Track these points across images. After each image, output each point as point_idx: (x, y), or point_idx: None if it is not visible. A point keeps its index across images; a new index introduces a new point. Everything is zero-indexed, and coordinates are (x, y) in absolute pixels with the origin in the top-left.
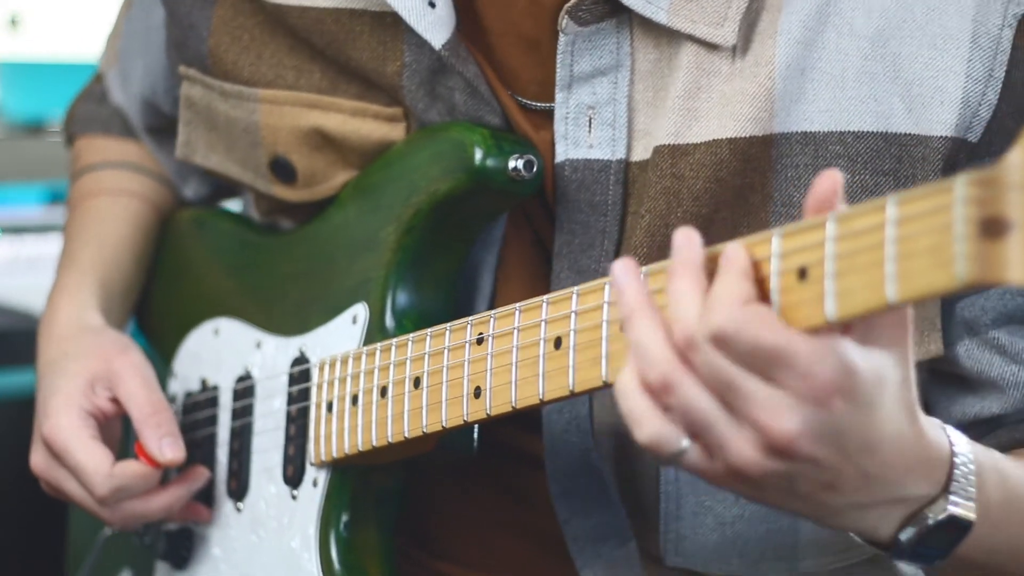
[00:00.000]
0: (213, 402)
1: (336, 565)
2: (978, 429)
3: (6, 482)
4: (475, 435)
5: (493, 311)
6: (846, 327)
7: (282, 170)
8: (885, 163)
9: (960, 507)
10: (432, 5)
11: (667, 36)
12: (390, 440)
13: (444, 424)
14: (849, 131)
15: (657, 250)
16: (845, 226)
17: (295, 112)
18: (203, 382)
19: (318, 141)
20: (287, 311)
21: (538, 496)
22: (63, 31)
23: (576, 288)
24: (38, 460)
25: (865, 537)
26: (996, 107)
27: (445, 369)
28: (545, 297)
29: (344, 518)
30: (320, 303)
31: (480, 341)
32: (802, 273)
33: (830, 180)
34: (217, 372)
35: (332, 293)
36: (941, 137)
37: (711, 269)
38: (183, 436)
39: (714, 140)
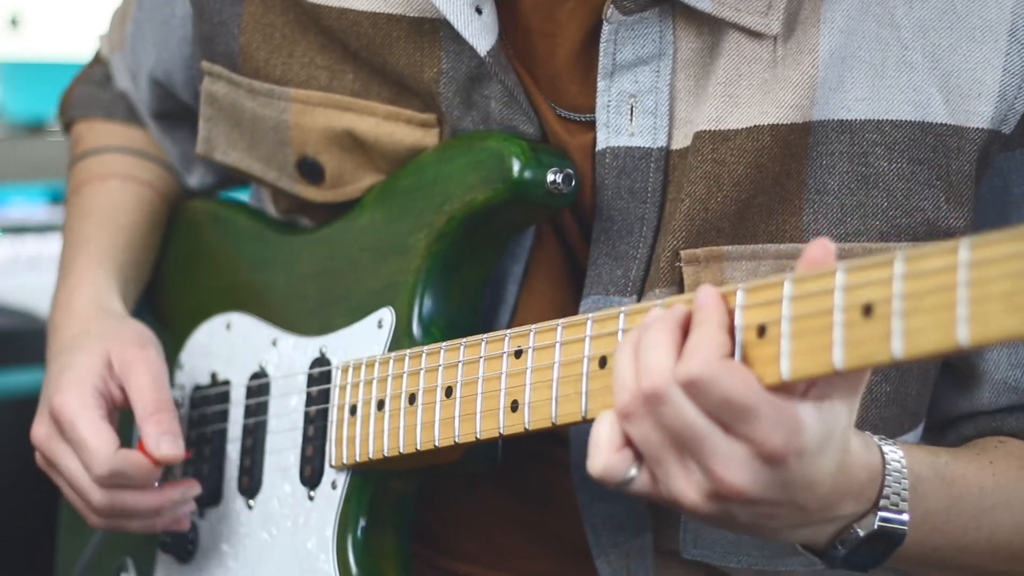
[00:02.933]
0: (224, 397)
1: (353, 568)
2: (963, 421)
3: (6, 482)
4: (499, 444)
5: (533, 325)
6: (811, 382)
7: (309, 170)
8: (922, 152)
9: (889, 522)
10: (479, 11)
11: (709, 24)
12: (419, 448)
13: (478, 436)
14: (887, 120)
15: (695, 234)
16: (914, 265)
17: (328, 114)
18: (213, 376)
19: (349, 143)
20: (306, 310)
21: (547, 496)
22: (63, 31)
23: (624, 308)
24: (39, 431)
25: (801, 546)
26: None
27: (480, 380)
28: (590, 315)
29: (362, 522)
30: (342, 304)
31: (518, 354)
32: (867, 310)
33: (822, 248)
34: (228, 367)
35: (356, 295)
36: (977, 129)
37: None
38: (191, 429)
39: (755, 126)
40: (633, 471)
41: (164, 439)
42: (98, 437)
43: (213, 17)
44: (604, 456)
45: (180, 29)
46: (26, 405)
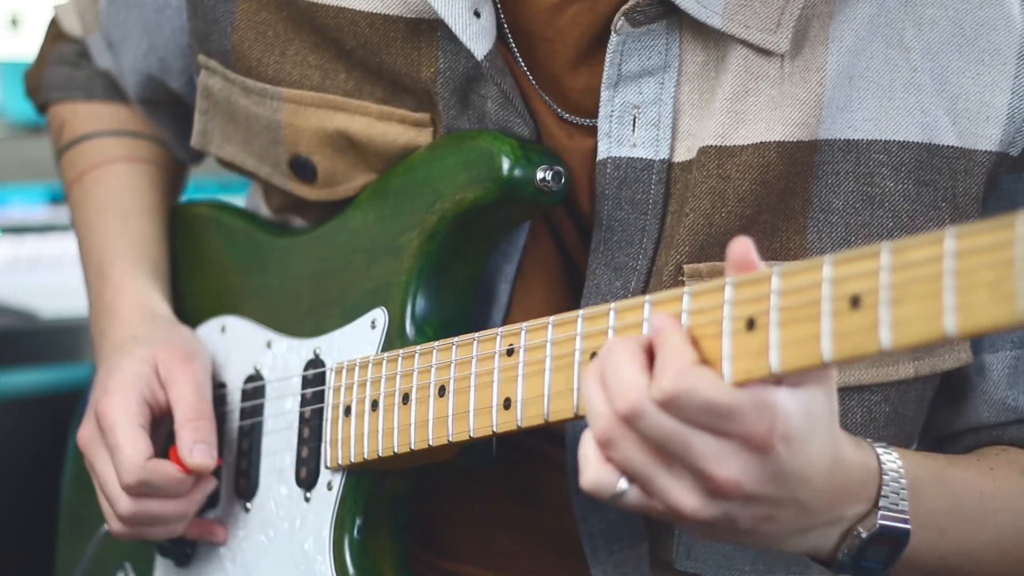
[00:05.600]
0: (220, 400)
1: (350, 568)
2: (962, 434)
3: (6, 481)
4: (494, 442)
5: (524, 323)
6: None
7: (302, 169)
8: (928, 174)
9: (891, 520)
10: (477, 15)
11: (715, 39)
12: (413, 447)
13: (471, 434)
14: (895, 140)
15: (699, 249)
16: (900, 256)
17: (320, 114)
18: None
19: (342, 143)
20: (300, 312)
21: (544, 495)
22: None
23: (613, 305)
24: (84, 434)
25: (808, 556)
26: None
27: (473, 378)
28: (580, 312)
29: (358, 522)
30: (336, 306)
31: (510, 352)
32: (855, 301)
33: (742, 245)
34: (224, 370)
35: (349, 296)
36: (985, 152)
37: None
38: None
39: (762, 143)
40: (624, 484)
41: (198, 447)
42: (132, 444)
43: (207, 14)
44: (593, 470)
45: (176, 18)
46: (26, 405)
